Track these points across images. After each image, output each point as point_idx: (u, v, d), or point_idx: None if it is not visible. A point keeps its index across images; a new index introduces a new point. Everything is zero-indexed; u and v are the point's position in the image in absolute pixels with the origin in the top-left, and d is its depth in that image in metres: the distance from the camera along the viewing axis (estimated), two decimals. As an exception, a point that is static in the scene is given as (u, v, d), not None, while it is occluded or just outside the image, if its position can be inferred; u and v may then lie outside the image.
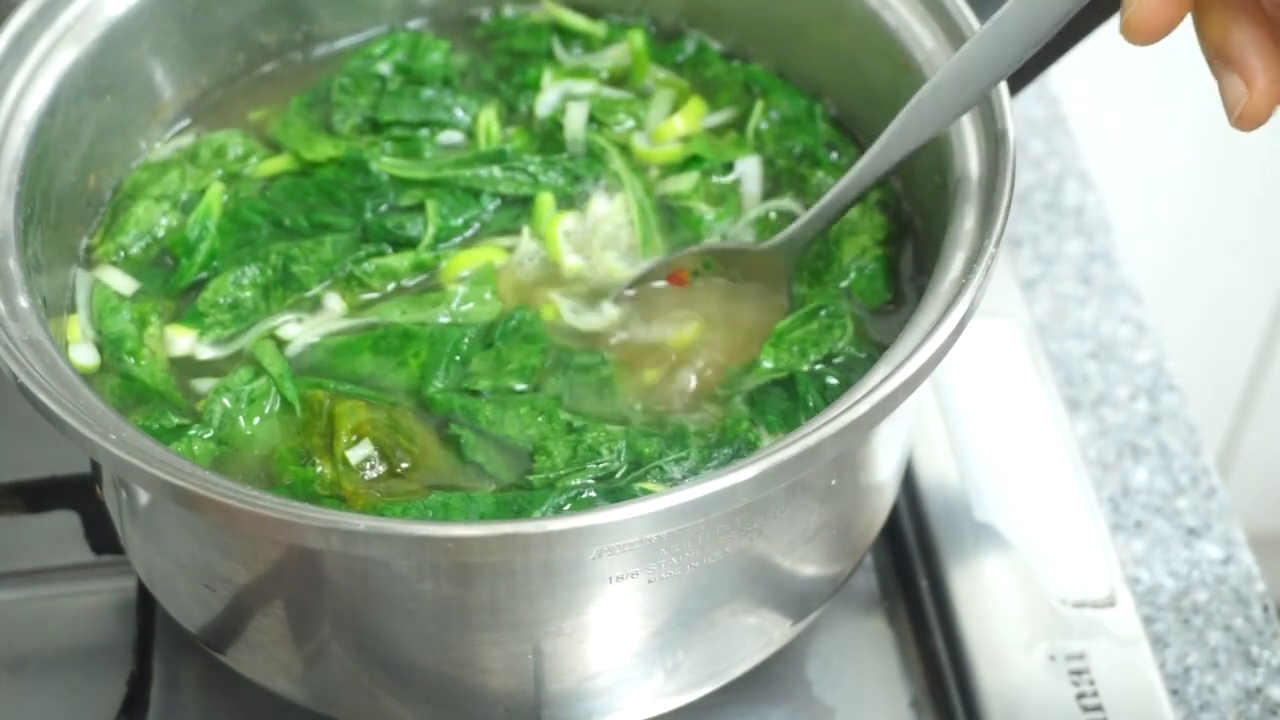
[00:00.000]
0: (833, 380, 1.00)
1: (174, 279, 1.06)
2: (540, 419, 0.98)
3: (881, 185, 1.10)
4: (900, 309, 1.05)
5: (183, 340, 1.04)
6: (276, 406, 1.00)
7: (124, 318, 1.03)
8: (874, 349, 1.02)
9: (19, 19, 1.01)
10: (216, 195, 1.09)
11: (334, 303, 1.06)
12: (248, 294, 1.05)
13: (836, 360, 1.02)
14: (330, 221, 1.09)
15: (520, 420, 0.98)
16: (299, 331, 1.04)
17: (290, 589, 0.92)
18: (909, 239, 1.08)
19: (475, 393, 1.00)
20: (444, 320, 1.04)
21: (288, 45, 1.19)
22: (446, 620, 0.89)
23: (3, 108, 0.99)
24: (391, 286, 1.07)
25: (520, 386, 1.01)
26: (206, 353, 1.04)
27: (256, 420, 0.99)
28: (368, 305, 1.06)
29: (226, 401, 0.99)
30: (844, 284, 1.05)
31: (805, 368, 1.01)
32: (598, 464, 0.96)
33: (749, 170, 1.12)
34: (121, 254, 1.07)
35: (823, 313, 1.03)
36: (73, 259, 1.07)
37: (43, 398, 0.85)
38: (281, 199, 1.10)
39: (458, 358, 1.02)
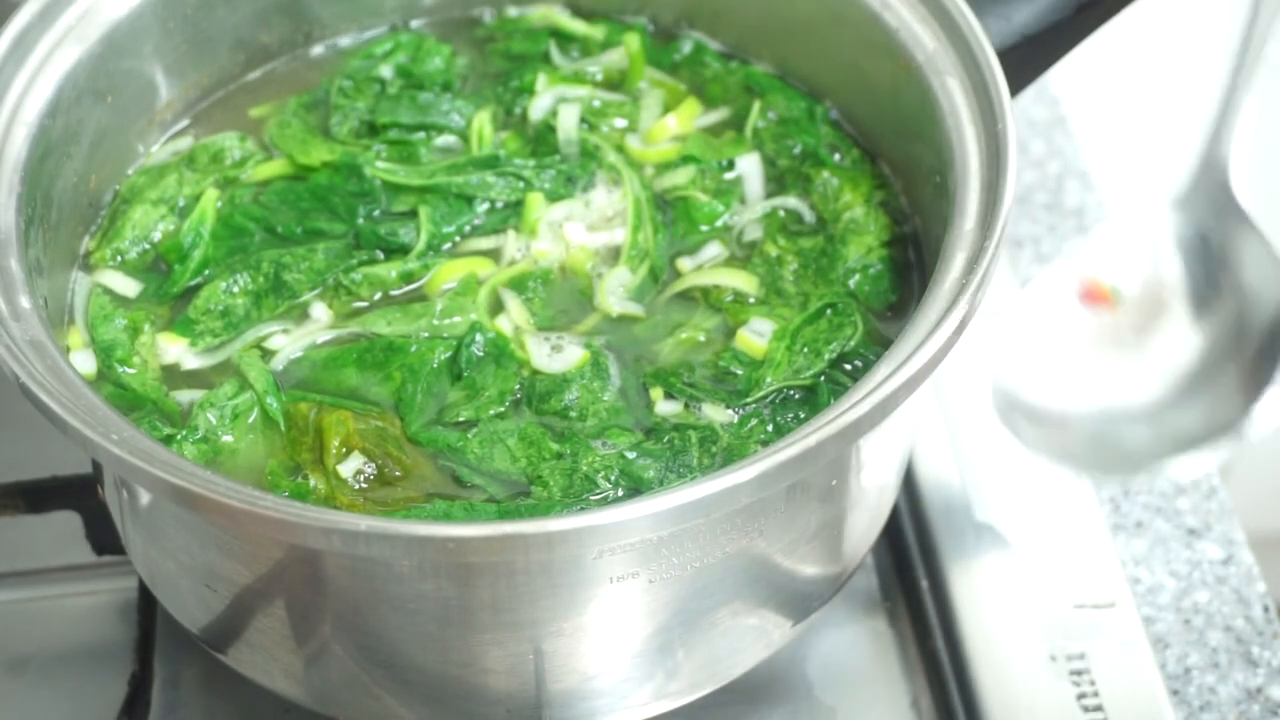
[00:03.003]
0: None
1: (167, 285, 1.06)
2: (530, 450, 0.98)
3: (883, 186, 1.11)
4: (908, 310, 1.05)
5: (174, 349, 1.03)
6: (260, 422, 1.00)
7: (116, 325, 1.02)
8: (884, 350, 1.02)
9: (20, 20, 1.01)
10: (211, 201, 1.09)
11: (321, 312, 1.05)
12: (239, 301, 1.05)
13: (853, 364, 1.02)
14: (323, 228, 1.09)
15: (509, 453, 0.98)
16: (285, 342, 1.04)
17: (291, 589, 0.92)
18: (911, 240, 1.09)
19: (459, 423, 1.00)
20: (425, 335, 1.03)
21: (288, 45, 1.19)
22: (448, 620, 0.89)
23: (4, 109, 0.99)
24: (379, 295, 1.06)
25: (500, 410, 1.00)
26: (193, 362, 1.03)
27: (241, 435, 0.99)
28: (355, 314, 1.05)
29: (211, 416, 0.99)
30: (850, 284, 1.05)
31: (821, 367, 1.01)
32: (595, 494, 0.96)
33: (750, 167, 1.12)
34: (118, 259, 1.07)
35: (829, 311, 1.03)
36: (73, 262, 1.07)
37: (45, 398, 0.85)
38: (275, 204, 1.10)
39: (432, 390, 1.01)
